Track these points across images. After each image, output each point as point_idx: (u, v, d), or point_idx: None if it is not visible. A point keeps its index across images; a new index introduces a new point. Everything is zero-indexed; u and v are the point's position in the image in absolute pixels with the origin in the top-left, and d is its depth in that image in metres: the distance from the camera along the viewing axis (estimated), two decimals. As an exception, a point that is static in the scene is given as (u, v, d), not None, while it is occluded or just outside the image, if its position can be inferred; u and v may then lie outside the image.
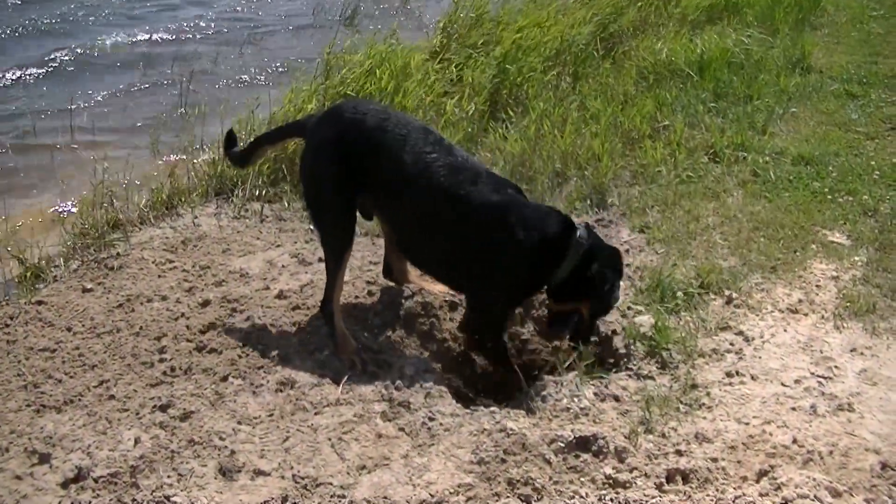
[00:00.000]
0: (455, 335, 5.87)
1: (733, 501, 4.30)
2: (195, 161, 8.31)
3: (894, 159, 8.98)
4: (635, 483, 4.41)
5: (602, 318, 5.70)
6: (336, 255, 5.54)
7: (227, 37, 14.94)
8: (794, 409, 5.06)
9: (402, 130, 5.42)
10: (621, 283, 5.66)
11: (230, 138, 6.31)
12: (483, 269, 5.39)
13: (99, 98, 11.87)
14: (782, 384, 5.30)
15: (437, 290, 6.02)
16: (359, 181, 5.44)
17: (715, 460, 4.57)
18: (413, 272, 6.09)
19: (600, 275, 5.34)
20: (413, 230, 5.59)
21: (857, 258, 6.82)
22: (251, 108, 8.65)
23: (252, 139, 6.25)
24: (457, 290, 5.93)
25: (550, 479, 4.41)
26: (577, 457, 4.54)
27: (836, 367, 5.49)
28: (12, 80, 12.55)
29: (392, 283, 6.12)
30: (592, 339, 5.60)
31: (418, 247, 5.65)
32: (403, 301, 5.95)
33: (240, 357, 5.42)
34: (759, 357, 5.57)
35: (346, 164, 5.41)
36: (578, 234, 5.38)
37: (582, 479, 4.43)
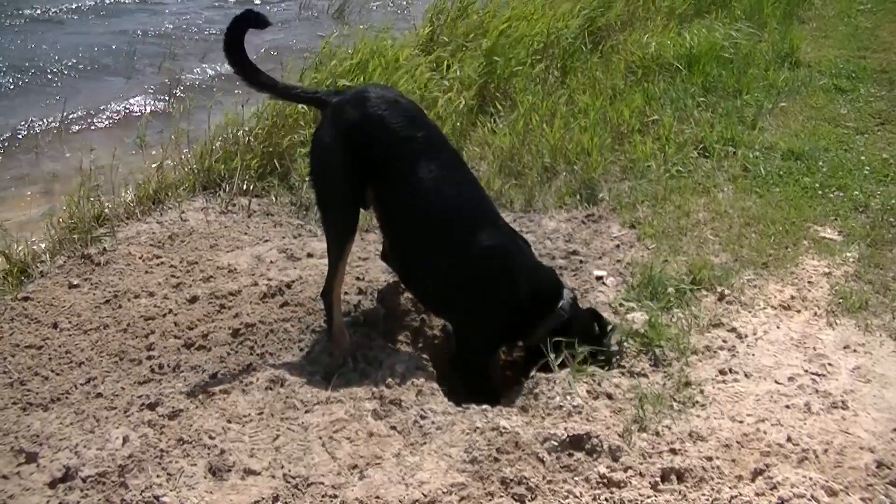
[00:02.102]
0: (446, 330, 5.82)
1: (729, 501, 4.26)
2: (182, 155, 8.24)
3: (884, 154, 9.00)
4: (630, 482, 4.37)
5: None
6: (339, 243, 5.41)
7: (214, 30, 14.88)
8: (788, 406, 5.03)
9: (431, 141, 5.38)
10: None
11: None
12: (472, 310, 5.37)
13: (86, 91, 11.85)
14: (776, 382, 5.27)
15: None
16: (367, 173, 5.32)
17: (710, 459, 4.53)
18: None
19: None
20: (411, 246, 5.50)
21: (849, 254, 6.80)
22: (240, 104, 8.60)
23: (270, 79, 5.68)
24: (439, 316, 5.92)
25: (544, 478, 4.37)
26: (570, 455, 4.50)
27: (829, 364, 5.47)
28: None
29: (382, 280, 6.08)
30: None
31: (412, 262, 5.57)
32: (394, 297, 5.91)
33: (229, 354, 5.38)
34: (753, 354, 5.54)
35: (362, 154, 5.27)
36: (561, 304, 5.38)
37: (576, 478, 4.39)
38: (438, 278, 5.41)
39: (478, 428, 4.67)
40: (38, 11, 15.57)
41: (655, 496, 4.31)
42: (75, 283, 6.23)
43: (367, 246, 6.49)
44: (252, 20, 5.51)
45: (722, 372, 5.35)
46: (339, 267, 5.42)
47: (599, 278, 6.33)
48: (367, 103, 5.35)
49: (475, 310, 5.35)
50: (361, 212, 5.57)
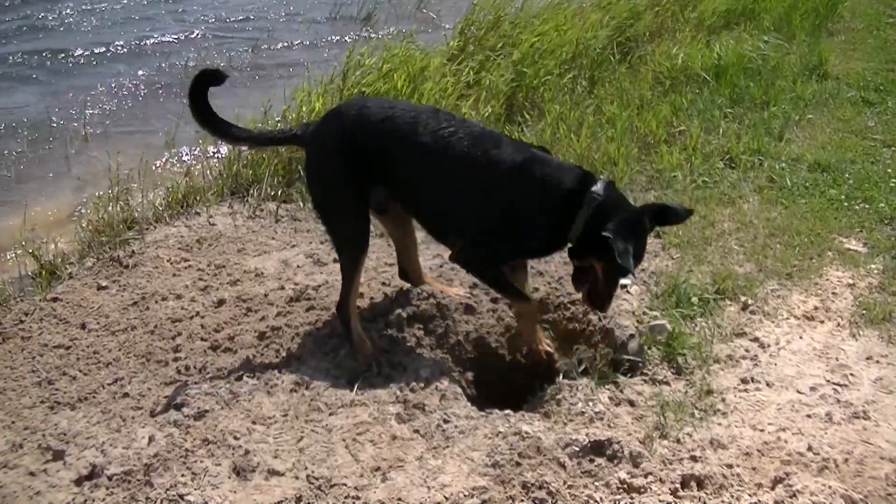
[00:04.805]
0: (469, 338, 5.83)
1: (749, 508, 4.29)
2: (210, 160, 8.30)
3: (911, 167, 8.97)
4: (650, 488, 4.39)
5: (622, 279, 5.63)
6: (352, 259, 5.46)
7: (242, 35, 14.95)
8: (809, 416, 5.04)
9: (411, 114, 5.33)
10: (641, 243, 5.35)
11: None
12: (505, 225, 5.27)
13: (115, 96, 11.91)
14: (798, 391, 5.29)
15: (453, 292, 5.99)
16: (371, 176, 5.35)
17: (730, 466, 4.55)
18: (428, 274, 6.09)
19: (613, 233, 5.03)
20: (436, 204, 5.45)
21: (873, 266, 6.80)
22: (265, 108, 8.65)
23: (243, 131, 5.81)
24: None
25: (565, 483, 4.39)
26: (591, 461, 4.53)
27: (851, 374, 5.47)
28: (30, 79, 12.62)
29: (407, 285, 6.09)
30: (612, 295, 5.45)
31: (441, 219, 5.51)
32: (419, 303, 5.92)
33: (254, 357, 5.43)
34: (775, 364, 5.56)
35: (356, 162, 5.30)
36: (594, 188, 5.21)
37: (596, 483, 4.42)
38: (470, 218, 5.36)
39: (500, 432, 4.71)
40: (67, 15, 15.68)
41: (676, 502, 4.33)
42: (104, 284, 6.30)
43: (394, 252, 6.51)
44: (210, 77, 5.55)
45: (744, 381, 5.36)
46: (354, 281, 5.47)
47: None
48: (339, 117, 5.46)
49: (512, 226, 5.27)
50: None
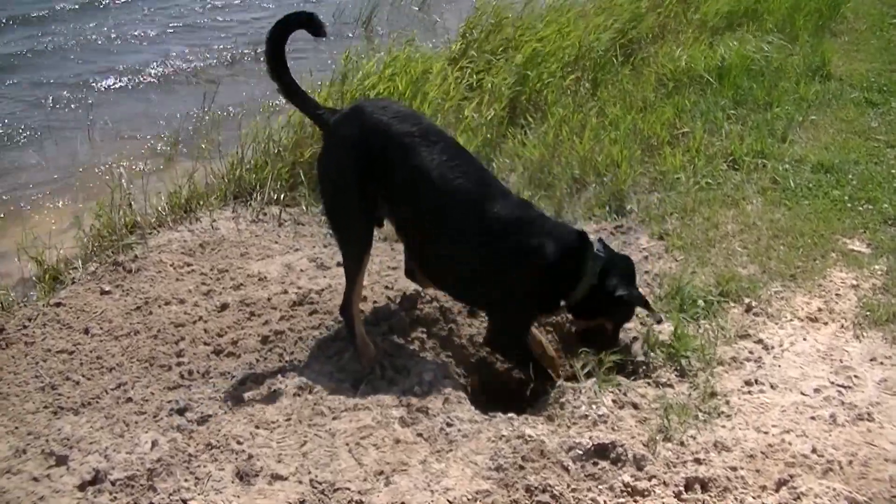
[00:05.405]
0: (474, 341, 5.83)
1: (753, 511, 4.28)
2: (213, 164, 8.29)
3: (915, 167, 8.94)
4: (654, 491, 4.38)
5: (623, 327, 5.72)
6: (355, 259, 5.43)
7: (244, 41, 14.92)
8: (813, 418, 5.02)
9: (432, 140, 5.31)
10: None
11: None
12: (501, 287, 5.36)
13: (118, 101, 11.92)
14: (802, 393, 5.27)
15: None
16: (378, 185, 5.33)
17: (734, 469, 4.54)
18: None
19: (620, 289, 5.32)
20: (432, 242, 5.46)
21: (877, 267, 6.77)
22: (268, 114, 8.64)
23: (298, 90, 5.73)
24: (470, 305, 5.95)
25: (568, 486, 4.38)
26: (595, 464, 4.52)
27: (855, 376, 5.45)
28: (34, 84, 12.63)
29: (411, 289, 6.07)
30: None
31: (436, 259, 5.54)
32: (422, 306, 5.92)
33: (258, 361, 5.43)
34: (779, 366, 5.54)
35: (368, 166, 5.27)
36: (595, 249, 5.38)
37: (600, 486, 4.41)
38: (460, 265, 5.42)
39: (503, 436, 4.70)
40: (74, 27, 15.71)
41: (679, 505, 4.33)
42: (107, 289, 6.29)
43: (397, 255, 6.52)
44: (301, 21, 5.46)
45: (748, 383, 5.35)
46: (357, 281, 5.46)
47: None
48: (362, 115, 5.39)
49: (504, 286, 5.35)
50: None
